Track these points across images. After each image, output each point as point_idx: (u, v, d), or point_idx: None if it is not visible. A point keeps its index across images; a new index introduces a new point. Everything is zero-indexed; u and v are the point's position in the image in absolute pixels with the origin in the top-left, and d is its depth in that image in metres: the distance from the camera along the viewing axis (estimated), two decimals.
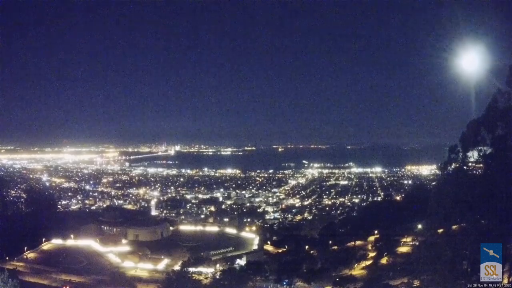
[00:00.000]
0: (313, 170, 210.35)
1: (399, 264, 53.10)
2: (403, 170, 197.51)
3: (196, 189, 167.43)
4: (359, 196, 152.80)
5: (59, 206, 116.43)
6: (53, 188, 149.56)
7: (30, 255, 64.73)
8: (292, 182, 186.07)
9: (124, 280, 56.16)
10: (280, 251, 73.63)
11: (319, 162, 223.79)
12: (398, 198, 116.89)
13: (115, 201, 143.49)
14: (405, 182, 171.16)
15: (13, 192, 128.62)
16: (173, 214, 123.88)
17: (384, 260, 60.98)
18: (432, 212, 33.88)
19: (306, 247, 72.32)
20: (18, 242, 63.02)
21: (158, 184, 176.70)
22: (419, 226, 58.86)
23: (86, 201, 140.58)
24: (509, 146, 31.13)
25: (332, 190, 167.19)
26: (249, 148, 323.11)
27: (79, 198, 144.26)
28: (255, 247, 74.89)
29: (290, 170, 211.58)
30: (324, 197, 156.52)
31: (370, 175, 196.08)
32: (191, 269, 53.59)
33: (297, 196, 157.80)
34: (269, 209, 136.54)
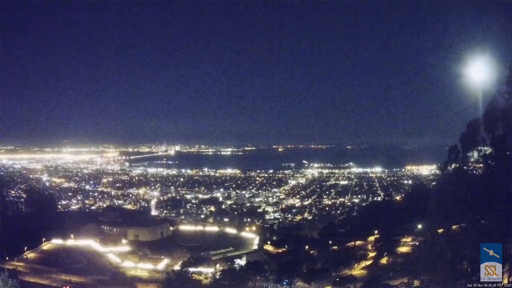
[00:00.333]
0: (313, 170, 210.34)
1: (399, 264, 53.14)
2: (403, 170, 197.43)
3: (196, 189, 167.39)
4: (359, 196, 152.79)
5: (59, 206, 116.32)
6: (53, 188, 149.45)
7: (30, 255, 64.71)
8: (292, 182, 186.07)
9: (124, 280, 56.20)
10: (280, 251, 73.61)
11: (319, 162, 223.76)
12: (398, 198, 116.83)
13: (115, 201, 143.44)
14: (405, 182, 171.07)
15: (13, 192, 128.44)
16: (173, 214, 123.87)
17: (384, 260, 60.97)
18: (432, 212, 33.89)
19: (306, 247, 72.31)
20: (18, 242, 62.92)
21: (158, 184, 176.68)
22: (419, 226, 58.79)
23: (86, 201, 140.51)
24: (509, 146, 31.13)
25: (332, 190, 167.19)
26: (249, 148, 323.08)
27: (79, 198, 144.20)
28: (255, 247, 74.91)
29: (290, 170, 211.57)
30: (324, 197, 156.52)
31: (370, 175, 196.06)
32: (191, 269, 53.60)
33: (297, 196, 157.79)
34: (269, 209, 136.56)
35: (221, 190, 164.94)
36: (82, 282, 53.66)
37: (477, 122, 32.62)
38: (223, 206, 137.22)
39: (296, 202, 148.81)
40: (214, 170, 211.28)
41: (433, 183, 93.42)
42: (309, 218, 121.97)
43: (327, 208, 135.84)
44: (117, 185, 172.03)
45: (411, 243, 63.29)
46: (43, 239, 69.83)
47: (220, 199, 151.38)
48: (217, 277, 52.74)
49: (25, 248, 65.20)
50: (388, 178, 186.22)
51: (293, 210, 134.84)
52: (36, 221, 76.03)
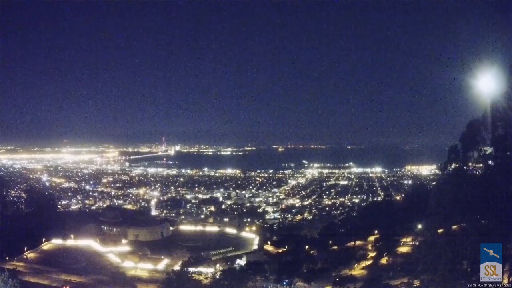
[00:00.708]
0: (313, 170, 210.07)
1: (399, 264, 53.13)
2: (403, 170, 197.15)
3: (196, 189, 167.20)
4: (359, 196, 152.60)
5: (59, 206, 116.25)
6: (53, 188, 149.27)
7: (30, 255, 64.72)
8: (292, 182, 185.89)
9: (124, 280, 56.18)
10: (280, 251, 73.58)
11: (319, 162, 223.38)
12: (398, 198, 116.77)
13: (115, 201, 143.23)
14: (405, 182, 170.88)
15: (13, 192, 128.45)
16: (173, 214, 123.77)
17: (384, 260, 60.95)
18: (432, 212, 33.94)
19: (306, 247, 72.26)
20: (18, 242, 62.93)
21: (158, 184, 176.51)
22: (419, 226, 58.78)
23: (86, 201, 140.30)
24: (509, 146, 31.15)
25: (332, 190, 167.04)
26: (249, 148, 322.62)
27: (79, 198, 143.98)
28: (255, 247, 74.93)
29: (290, 170, 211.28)
30: (324, 197, 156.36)
31: (370, 175, 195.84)
32: (191, 269, 53.60)
33: (297, 196, 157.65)
34: (269, 209, 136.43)
35: (221, 190, 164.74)
36: (82, 282, 53.66)
37: (477, 122, 32.67)
38: (223, 206, 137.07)
39: (296, 202, 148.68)
40: (214, 170, 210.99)
41: (433, 183, 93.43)
42: (309, 218, 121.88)
43: (327, 208, 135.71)
44: (117, 185, 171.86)
45: (411, 243, 63.24)
46: (43, 239, 69.83)
47: (220, 199, 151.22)
48: (217, 277, 52.73)
49: (25, 248, 65.20)
50: (388, 178, 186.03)
51: (293, 210, 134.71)
52: (36, 221, 76.06)
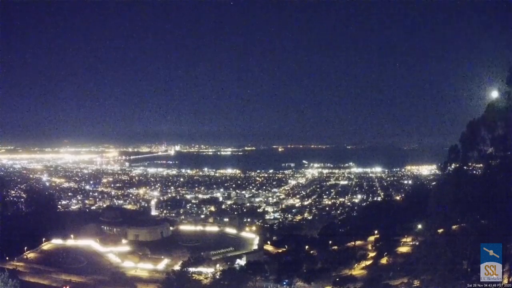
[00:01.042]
0: (313, 170, 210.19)
1: (399, 264, 53.12)
2: (403, 170, 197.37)
3: (196, 189, 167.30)
4: (359, 196, 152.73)
5: (59, 206, 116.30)
6: (53, 188, 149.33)
7: (30, 255, 64.69)
8: (292, 182, 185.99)
9: (124, 280, 56.19)
10: (280, 251, 73.63)
11: (319, 162, 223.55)
12: (398, 198, 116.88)
13: (115, 201, 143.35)
14: (405, 182, 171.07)
15: (13, 192, 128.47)
16: (173, 214, 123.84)
17: (384, 260, 60.98)
18: (432, 212, 33.92)
19: (306, 247, 72.34)
20: (18, 242, 62.94)
21: (158, 184, 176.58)
22: (419, 226, 58.78)
23: (86, 201, 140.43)
24: (509, 146, 31.15)
25: (332, 190, 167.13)
26: (249, 148, 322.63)
27: (79, 198, 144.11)
28: (255, 247, 74.90)
29: (290, 170, 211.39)
30: (324, 197, 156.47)
31: (370, 175, 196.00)
32: (191, 269, 53.55)
33: (297, 196, 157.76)
34: (269, 209, 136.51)
35: (221, 190, 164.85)
36: (82, 282, 53.65)
37: (477, 122, 32.65)
38: (223, 206, 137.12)
39: (296, 202, 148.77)
40: (214, 170, 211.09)
41: (433, 183, 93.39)
42: (309, 218, 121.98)
43: (327, 208, 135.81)
44: (117, 185, 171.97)
45: (411, 243, 63.24)
46: (43, 239, 69.81)
47: (220, 199, 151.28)
48: (217, 277, 52.74)
49: (25, 248, 65.17)
50: (388, 178, 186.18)
51: (293, 210, 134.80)
52: (36, 221, 76.09)
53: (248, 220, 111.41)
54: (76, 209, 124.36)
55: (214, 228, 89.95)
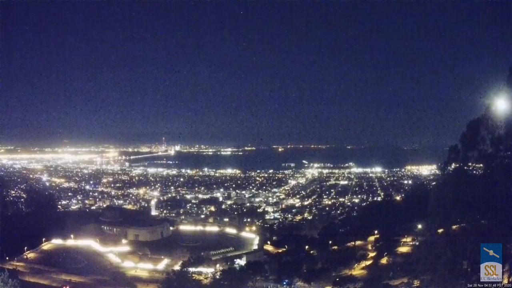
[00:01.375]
0: (313, 170, 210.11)
1: (399, 264, 53.16)
2: (403, 170, 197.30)
3: (196, 189, 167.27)
4: (359, 196, 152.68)
5: (59, 206, 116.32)
6: (53, 188, 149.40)
7: (30, 255, 64.73)
8: (292, 182, 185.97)
9: (124, 280, 56.18)
10: (280, 251, 73.63)
11: (319, 162, 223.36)
12: (398, 198, 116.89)
13: (115, 201, 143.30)
14: (405, 182, 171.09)
15: (13, 192, 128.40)
16: (173, 214, 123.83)
17: (384, 260, 60.98)
18: (432, 212, 33.91)
19: (306, 247, 72.34)
20: (18, 242, 62.97)
21: (158, 184, 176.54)
22: (419, 226, 58.82)
23: (86, 201, 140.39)
24: (509, 146, 31.15)
25: (332, 190, 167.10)
26: (249, 148, 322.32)
27: (79, 198, 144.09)
28: (255, 247, 74.94)
29: (290, 170, 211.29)
30: (324, 197, 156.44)
31: (370, 175, 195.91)
32: (191, 269, 53.61)
33: (297, 196, 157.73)
34: (269, 209, 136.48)
35: (221, 190, 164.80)
36: (82, 282, 53.65)
37: (477, 122, 32.63)
38: (223, 206, 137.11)
39: (296, 202, 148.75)
40: (214, 170, 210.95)
41: (433, 183, 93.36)
42: (309, 218, 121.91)
43: (327, 208, 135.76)
44: (117, 185, 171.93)
45: (411, 243, 63.29)
46: (43, 239, 69.85)
47: (220, 199, 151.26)
48: (217, 277, 52.76)
49: (25, 248, 65.21)
50: (388, 178, 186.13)
51: (293, 210, 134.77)
52: (36, 221, 76.12)
53: (248, 220, 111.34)
54: (76, 209, 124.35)
55: (214, 228, 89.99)
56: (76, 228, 74.91)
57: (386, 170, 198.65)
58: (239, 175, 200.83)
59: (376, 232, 75.03)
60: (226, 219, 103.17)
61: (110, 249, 69.12)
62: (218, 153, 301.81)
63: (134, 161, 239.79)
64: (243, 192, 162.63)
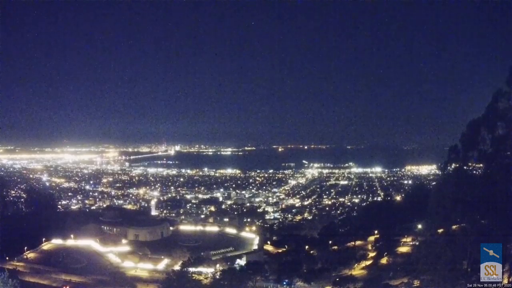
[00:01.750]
0: (313, 170, 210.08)
1: (399, 264, 53.15)
2: (403, 170, 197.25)
3: (196, 189, 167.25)
4: (359, 196, 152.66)
5: (59, 206, 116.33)
6: (53, 188, 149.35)
7: (30, 255, 64.72)
8: (292, 182, 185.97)
9: (124, 280, 56.15)
10: (280, 251, 73.56)
11: (319, 162, 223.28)
12: (398, 198, 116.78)
13: (115, 201, 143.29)
14: (405, 182, 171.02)
15: (13, 192, 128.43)
16: (173, 214, 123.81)
17: (384, 260, 60.94)
18: (432, 212, 33.98)
19: (306, 247, 72.26)
20: (18, 242, 62.99)
21: (158, 184, 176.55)
22: (419, 226, 58.83)
23: (86, 201, 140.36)
24: (509, 146, 31.19)
25: (332, 190, 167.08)
26: (249, 148, 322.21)
27: (79, 198, 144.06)
28: (255, 247, 74.88)
29: (290, 170, 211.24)
30: (324, 197, 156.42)
31: (370, 175, 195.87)
32: (191, 269, 53.60)
33: (297, 196, 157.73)
34: (269, 209, 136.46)
35: (221, 190, 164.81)
36: (82, 282, 53.65)
37: (477, 122, 32.69)
38: (223, 206, 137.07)
39: (296, 202, 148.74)
40: (214, 170, 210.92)
41: (433, 183, 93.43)
42: (309, 218, 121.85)
43: (327, 208, 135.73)
44: (117, 185, 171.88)
45: (411, 243, 63.26)
46: (43, 239, 69.83)
47: (220, 199, 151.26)
48: (217, 277, 52.75)
49: (25, 248, 65.21)
50: (388, 178, 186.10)
51: (293, 210, 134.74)
52: (36, 221, 76.15)
53: (248, 220, 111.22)
54: (76, 209, 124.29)
55: (214, 228, 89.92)
56: (76, 228, 74.88)
57: (386, 170, 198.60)
58: (239, 175, 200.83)
59: (376, 232, 74.97)
60: (226, 219, 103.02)
61: (110, 249, 69.07)
62: (218, 153, 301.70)
63: (134, 161, 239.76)
64: (243, 192, 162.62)
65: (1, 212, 79.97)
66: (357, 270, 60.43)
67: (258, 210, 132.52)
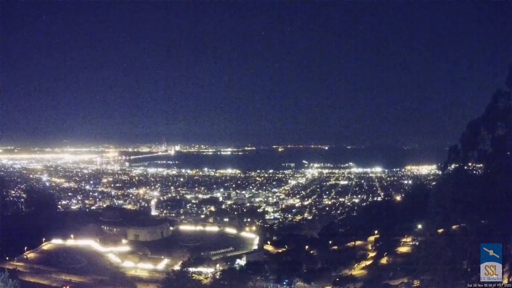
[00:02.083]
0: (313, 170, 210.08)
1: (399, 264, 53.14)
2: (403, 170, 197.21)
3: (196, 189, 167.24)
4: (359, 196, 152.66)
5: (59, 206, 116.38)
6: (53, 188, 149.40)
7: (30, 255, 64.75)
8: (292, 182, 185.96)
9: (124, 280, 56.21)
10: (280, 251, 73.54)
11: (319, 162, 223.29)
12: (398, 198, 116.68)
13: (115, 201, 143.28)
14: (405, 182, 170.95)
15: (13, 192, 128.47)
16: (173, 214, 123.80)
17: (384, 260, 60.92)
18: (432, 212, 33.99)
19: (306, 247, 72.26)
20: (18, 242, 63.02)
21: (158, 184, 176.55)
22: (419, 226, 58.77)
23: (86, 201, 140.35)
24: (509, 146, 31.20)
25: (332, 190, 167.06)
26: (249, 148, 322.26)
27: (79, 198, 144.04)
28: (255, 247, 74.93)
29: (290, 170, 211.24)
30: (324, 197, 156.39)
31: (370, 175, 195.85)
32: (191, 269, 53.65)
33: (297, 196, 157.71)
34: (269, 209, 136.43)
35: (221, 190, 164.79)
36: (82, 282, 53.71)
37: (477, 122, 32.71)
38: (223, 206, 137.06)
39: (296, 202, 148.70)
40: (214, 170, 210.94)
41: (433, 183, 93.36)
42: (309, 218, 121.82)
43: (327, 208, 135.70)
44: (117, 185, 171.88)
45: (411, 243, 63.21)
46: (43, 239, 69.88)
47: (220, 199, 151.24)
48: (217, 277, 52.79)
49: (25, 248, 65.26)
50: (388, 178, 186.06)
51: (293, 210, 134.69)
52: (36, 221, 76.24)
53: (248, 220, 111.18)
54: (76, 209, 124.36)
55: (214, 228, 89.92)
56: (76, 228, 74.93)
57: (386, 170, 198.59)
58: (239, 175, 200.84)
59: (376, 232, 74.92)
60: (226, 219, 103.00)
61: (110, 249, 69.11)
62: (218, 153, 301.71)
63: (134, 161, 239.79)
64: (243, 192, 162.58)
65: (1, 212, 79.95)
66: (357, 270, 60.41)
67: (258, 210, 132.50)
